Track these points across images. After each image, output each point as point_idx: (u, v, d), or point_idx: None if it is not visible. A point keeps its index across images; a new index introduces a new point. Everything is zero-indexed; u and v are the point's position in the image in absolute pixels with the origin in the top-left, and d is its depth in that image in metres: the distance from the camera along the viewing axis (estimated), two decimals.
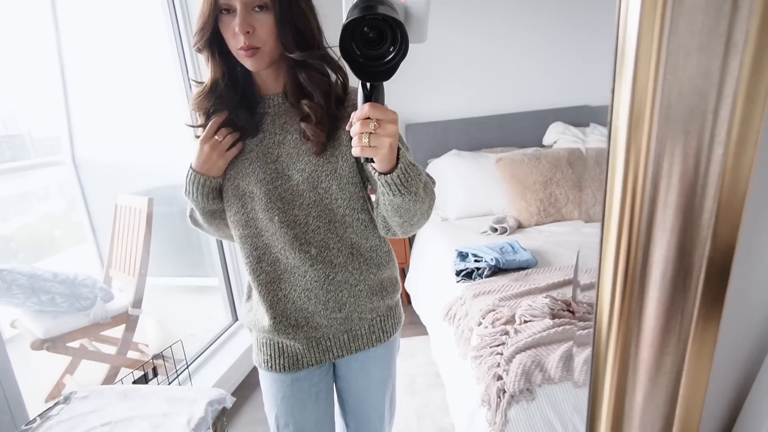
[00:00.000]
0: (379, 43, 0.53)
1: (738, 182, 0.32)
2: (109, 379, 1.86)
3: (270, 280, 0.89)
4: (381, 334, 0.95)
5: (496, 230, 2.15)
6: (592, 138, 2.52)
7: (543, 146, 2.66)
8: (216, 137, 0.82)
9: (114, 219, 2.15)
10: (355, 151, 0.64)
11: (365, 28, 0.53)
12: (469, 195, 2.42)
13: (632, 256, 0.35)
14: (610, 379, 0.40)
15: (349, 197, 0.85)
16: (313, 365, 0.93)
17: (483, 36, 2.67)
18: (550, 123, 2.66)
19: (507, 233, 2.13)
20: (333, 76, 0.83)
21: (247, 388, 2.05)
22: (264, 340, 0.94)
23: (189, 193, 0.87)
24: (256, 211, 0.86)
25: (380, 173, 0.69)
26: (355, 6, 0.53)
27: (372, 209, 0.90)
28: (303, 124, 0.81)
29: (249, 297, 0.97)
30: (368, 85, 0.60)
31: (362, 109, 0.60)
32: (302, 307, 0.89)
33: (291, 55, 0.78)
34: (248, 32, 0.75)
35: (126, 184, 2.87)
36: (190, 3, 1.96)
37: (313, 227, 0.85)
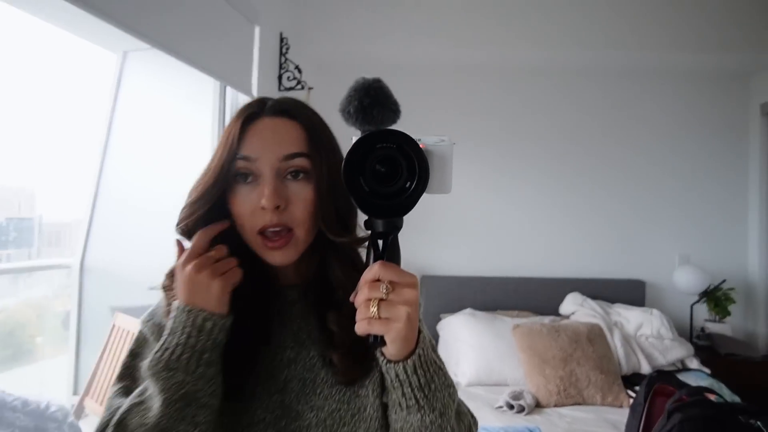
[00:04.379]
0: (392, 179, 0.46)
1: None
2: None
3: None
4: None
5: (512, 407, 1.97)
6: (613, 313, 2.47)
7: (559, 315, 2.61)
8: (211, 254, 0.53)
9: (107, 341, 2.02)
10: (359, 327, 0.46)
11: (376, 165, 0.45)
12: (484, 360, 2.29)
13: None
14: None
15: None
16: None
17: (507, 198, 2.81)
18: (567, 292, 2.65)
19: (525, 412, 1.95)
20: None
21: None
22: None
23: (169, 367, 0.50)
24: None
25: (389, 361, 0.49)
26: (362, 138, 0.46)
27: None
28: (332, 353, 0.59)
29: None
30: (380, 241, 0.48)
31: (371, 269, 0.46)
32: None
33: (333, 238, 0.57)
34: (278, 207, 0.54)
35: (126, 294, 2.76)
36: None
37: None
